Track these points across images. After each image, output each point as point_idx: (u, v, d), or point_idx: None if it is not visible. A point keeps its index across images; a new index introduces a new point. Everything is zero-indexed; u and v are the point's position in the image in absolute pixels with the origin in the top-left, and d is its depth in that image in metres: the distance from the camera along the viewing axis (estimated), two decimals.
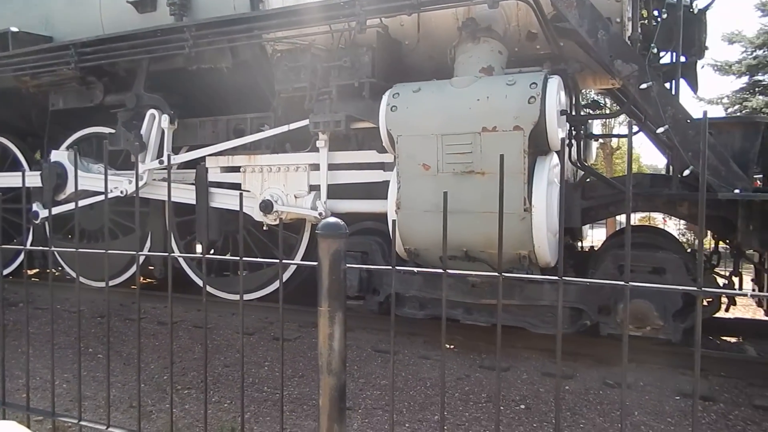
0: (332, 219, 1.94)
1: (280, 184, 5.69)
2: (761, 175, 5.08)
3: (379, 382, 4.30)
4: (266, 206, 5.59)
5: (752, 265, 5.45)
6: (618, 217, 12.64)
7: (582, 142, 5.48)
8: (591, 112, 7.18)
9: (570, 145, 5.09)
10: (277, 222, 5.65)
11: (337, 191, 5.58)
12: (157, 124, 6.27)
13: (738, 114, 14.47)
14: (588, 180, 5.04)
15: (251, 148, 5.96)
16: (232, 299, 6.39)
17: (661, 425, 3.52)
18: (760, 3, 15.20)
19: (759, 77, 15.49)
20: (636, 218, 13.88)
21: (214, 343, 5.30)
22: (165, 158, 6.11)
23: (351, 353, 4.96)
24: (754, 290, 6.28)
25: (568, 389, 4.10)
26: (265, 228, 5.97)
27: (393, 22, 5.17)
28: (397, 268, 1.93)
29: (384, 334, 5.36)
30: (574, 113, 5.01)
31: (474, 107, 4.35)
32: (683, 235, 13.18)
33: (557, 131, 4.29)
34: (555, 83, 4.30)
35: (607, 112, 9.63)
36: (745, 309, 6.88)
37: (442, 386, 1.75)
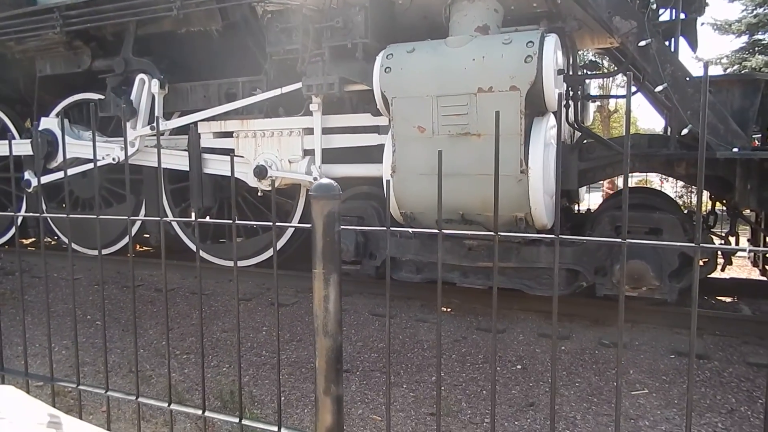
0: (325, 180, 1.90)
1: (274, 149, 5.62)
2: (759, 135, 5.03)
3: (376, 345, 4.33)
4: (260, 171, 5.53)
5: (748, 226, 5.45)
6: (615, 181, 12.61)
7: (579, 104, 5.41)
8: (588, 72, 7.06)
9: (567, 106, 5.02)
10: (271, 188, 5.59)
11: (331, 155, 5.51)
12: (147, 89, 6.15)
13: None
14: (585, 141, 4.99)
15: (244, 112, 5.87)
16: (228, 265, 6.39)
17: (656, 383, 3.57)
18: None
19: (759, 36, 15.25)
20: (633, 181, 13.84)
21: (211, 309, 5.31)
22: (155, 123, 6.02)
23: (348, 317, 4.99)
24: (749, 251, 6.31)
25: (564, 349, 4.14)
26: (260, 194, 5.93)
27: None
28: (392, 229, 1.91)
29: (381, 298, 5.37)
30: (571, 73, 4.92)
31: (469, 67, 4.27)
32: (680, 197, 13.18)
33: (554, 91, 4.22)
34: (552, 42, 4.20)
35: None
36: (741, 269, 6.92)
37: (438, 348, 1.75)
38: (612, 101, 17.14)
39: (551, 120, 4.51)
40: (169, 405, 2.23)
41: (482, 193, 4.29)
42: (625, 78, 6.12)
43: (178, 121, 6.20)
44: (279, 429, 2.03)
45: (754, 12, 14.96)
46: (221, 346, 4.40)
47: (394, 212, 4.80)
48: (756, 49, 15.08)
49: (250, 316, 5.07)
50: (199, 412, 2.25)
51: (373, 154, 5.18)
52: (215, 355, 4.21)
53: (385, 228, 1.87)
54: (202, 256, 6.43)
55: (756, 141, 5.11)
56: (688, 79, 4.18)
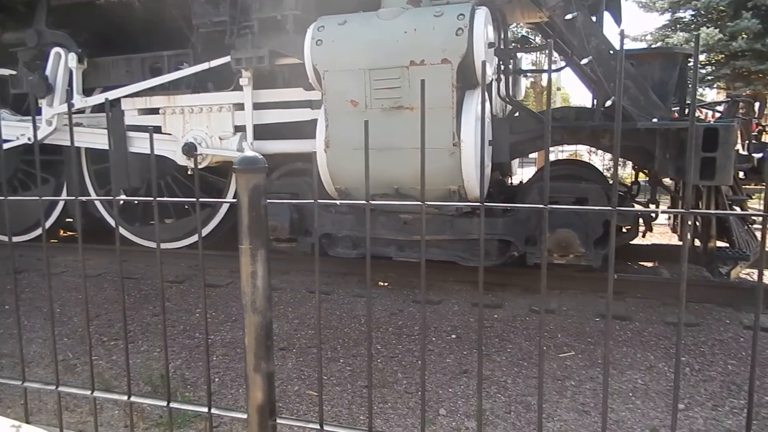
0: (250, 153, 1.84)
1: (204, 125, 5.43)
2: (678, 107, 5.26)
3: (313, 322, 4.31)
4: (189, 149, 5.34)
5: (669, 195, 5.73)
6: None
7: (511, 78, 5.48)
8: (519, 46, 7.16)
9: (498, 80, 5.08)
10: (202, 165, 5.43)
11: (264, 131, 5.38)
12: (63, 63, 5.79)
13: None
14: (516, 114, 5.08)
15: (170, 88, 5.63)
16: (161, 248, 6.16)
17: (582, 345, 3.72)
18: None
19: (680, 14, 15.93)
20: (565, 154, 14.29)
21: (142, 293, 5.12)
22: (74, 100, 5.69)
23: (285, 295, 4.94)
24: (669, 218, 6.65)
25: (496, 317, 4.25)
26: (190, 172, 5.73)
27: None
28: (320, 201, 1.87)
29: (319, 275, 5.33)
30: (502, 47, 4.98)
31: (401, 40, 4.24)
32: (608, 169, 13.72)
33: (486, 64, 4.25)
34: (482, 15, 4.23)
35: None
36: (662, 236, 7.30)
37: (369, 322, 1.74)
38: (545, 77, 17.51)
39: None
40: (92, 392, 2.13)
41: (416, 167, 4.29)
42: (558, 55, 6.24)
43: (98, 98, 5.88)
44: (209, 410, 1.98)
45: None
46: (152, 330, 4.26)
47: (328, 188, 4.76)
48: (677, 26, 15.75)
49: (183, 298, 4.93)
50: (125, 397, 2.16)
51: (307, 130, 5.09)
52: (146, 340, 4.07)
53: (312, 201, 1.84)
54: (131, 239, 6.18)
55: (675, 114, 5.35)
56: (611, 52, 4.31)
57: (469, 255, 4.66)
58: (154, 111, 5.70)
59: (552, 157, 12.61)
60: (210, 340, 4.05)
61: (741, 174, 4.91)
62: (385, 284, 5.09)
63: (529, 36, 11.01)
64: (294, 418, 2.91)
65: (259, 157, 1.84)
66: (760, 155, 4.65)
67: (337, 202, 1.89)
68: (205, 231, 6.08)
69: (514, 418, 2.89)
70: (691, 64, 5.34)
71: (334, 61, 4.42)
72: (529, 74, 13.51)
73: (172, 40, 5.79)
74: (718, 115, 5.94)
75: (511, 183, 6.18)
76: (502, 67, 5.07)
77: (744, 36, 13.23)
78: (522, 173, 9.16)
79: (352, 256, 4.95)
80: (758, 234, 5.52)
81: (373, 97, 4.35)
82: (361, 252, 4.94)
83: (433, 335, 3.97)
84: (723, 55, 14.17)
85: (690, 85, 5.36)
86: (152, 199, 2.09)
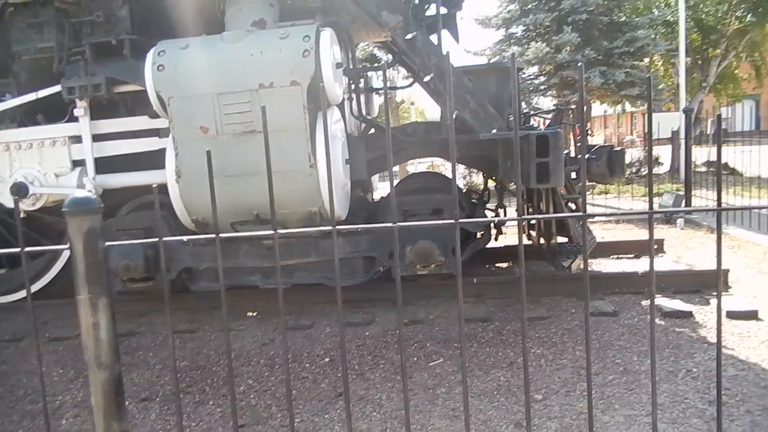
0: (82, 193, 1.68)
1: (35, 162, 4.91)
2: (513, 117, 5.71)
3: (178, 364, 4.04)
4: (19, 190, 4.78)
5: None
6: (408, 166, 13.47)
7: (364, 96, 5.61)
8: (368, 65, 7.37)
9: (351, 99, 5.17)
10: (37, 207, 4.89)
11: (109, 165, 4.98)
12: None
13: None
14: (371, 132, 5.20)
15: None
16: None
17: (449, 351, 3.87)
18: None
19: (513, 30, 17.39)
20: (424, 167, 14.90)
21: None
22: None
23: (145, 339, 4.60)
24: None
25: (368, 334, 4.29)
26: (23, 215, 5.13)
27: None
28: (165, 240, 1.75)
29: (182, 313, 5.03)
30: (351, 67, 5.08)
31: (248, 63, 4.17)
32: (464, 177, 14.53)
33: (334, 85, 4.31)
34: (327, 35, 4.28)
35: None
36: (514, 236, 7.86)
37: (229, 358, 1.65)
38: (399, 94, 18.21)
39: (335, 113, 4.61)
40: None
41: (275, 191, 4.22)
42: (407, 72, 6.49)
43: None
44: None
45: (507, 8, 17.00)
46: None
47: (184, 220, 4.53)
48: (511, 41, 17.18)
49: (24, 358, 4.38)
50: None
51: (158, 160, 4.80)
52: None
53: (157, 239, 1.72)
54: None
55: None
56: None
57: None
58: None
59: (411, 170, 13.07)
60: (58, 401, 3.63)
61: (572, 174, 5.43)
62: (254, 314, 4.92)
63: (380, 55, 11.38)
64: None
65: (93, 197, 1.68)
66: (586, 156, 5.17)
67: (184, 238, 1.79)
68: (47, 278, 5.48)
69: None
70: (523, 76, 5.83)
71: (180, 87, 4.23)
72: (381, 92, 13.91)
73: None
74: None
75: (372, 199, 6.30)
76: (353, 86, 5.18)
77: (567, 48, 14.76)
78: (384, 188, 9.41)
79: (216, 289, 4.73)
80: (592, 228, 6.15)
81: (224, 122, 4.22)
82: (226, 283, 4.72)
83: (306, 361, 3.91)
84: (551, 66, 15.67)
85: (525, 96, 5.83)
86: None
